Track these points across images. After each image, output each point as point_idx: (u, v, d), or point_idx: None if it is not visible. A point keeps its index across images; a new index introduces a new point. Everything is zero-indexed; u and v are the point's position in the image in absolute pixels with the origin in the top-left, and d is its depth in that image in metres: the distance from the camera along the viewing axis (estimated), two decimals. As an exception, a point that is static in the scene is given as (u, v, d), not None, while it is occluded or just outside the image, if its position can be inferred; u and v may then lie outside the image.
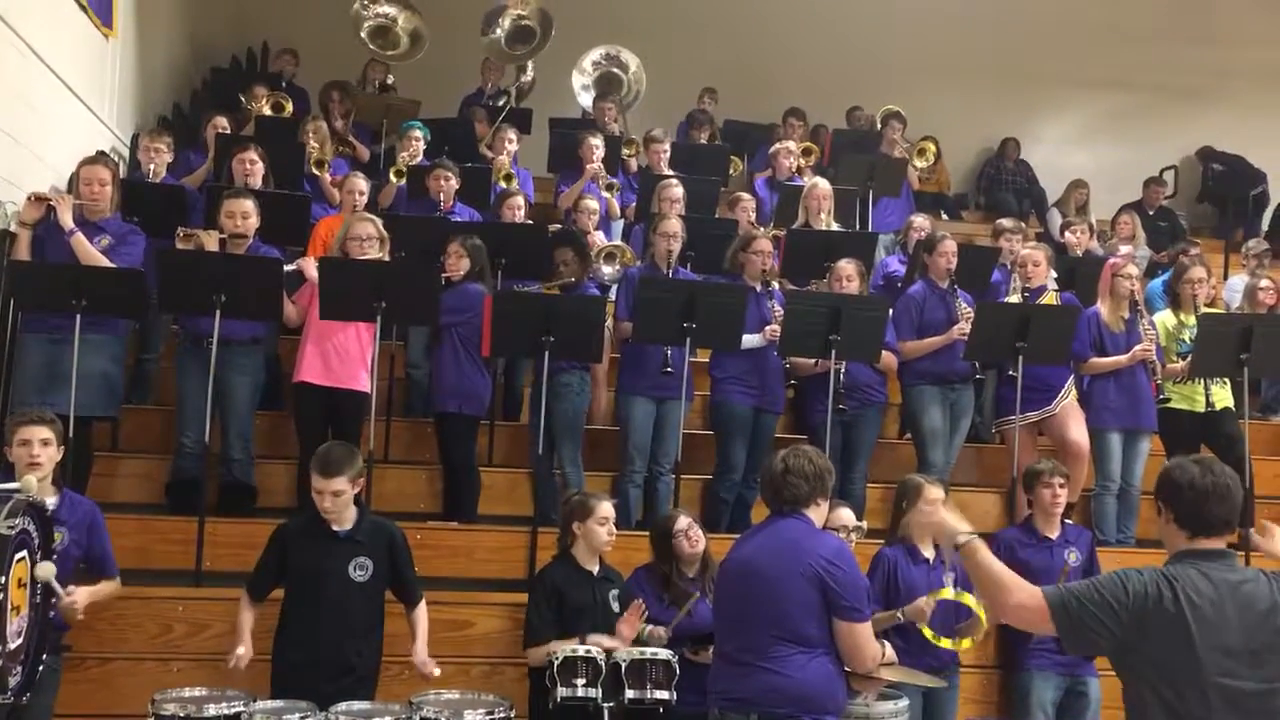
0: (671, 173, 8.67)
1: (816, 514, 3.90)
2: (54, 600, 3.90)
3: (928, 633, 4.63)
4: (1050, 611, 2.84)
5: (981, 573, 3.02)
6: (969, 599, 4.54)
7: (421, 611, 4.56)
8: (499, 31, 9.72)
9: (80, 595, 4.15)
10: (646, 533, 5.80)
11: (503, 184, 8.08)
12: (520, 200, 7.49)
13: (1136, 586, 2.81)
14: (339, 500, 4.34)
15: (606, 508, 4.71)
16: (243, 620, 4.41)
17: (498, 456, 6.63)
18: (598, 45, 10.43)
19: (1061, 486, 5.33)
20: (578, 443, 6.17)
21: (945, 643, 4.64)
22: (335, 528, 4.39)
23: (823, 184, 7.89)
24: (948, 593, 4.60)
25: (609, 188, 8.32)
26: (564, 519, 4.79)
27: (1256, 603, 2.83)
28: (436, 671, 4.38)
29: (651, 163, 8.89)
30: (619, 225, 8.51)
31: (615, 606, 4.64)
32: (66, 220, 5.56)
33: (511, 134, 8.81)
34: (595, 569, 4.70)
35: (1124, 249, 8.52)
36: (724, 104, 11.12)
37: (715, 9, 12.29)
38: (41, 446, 4.19)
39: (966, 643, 4.71)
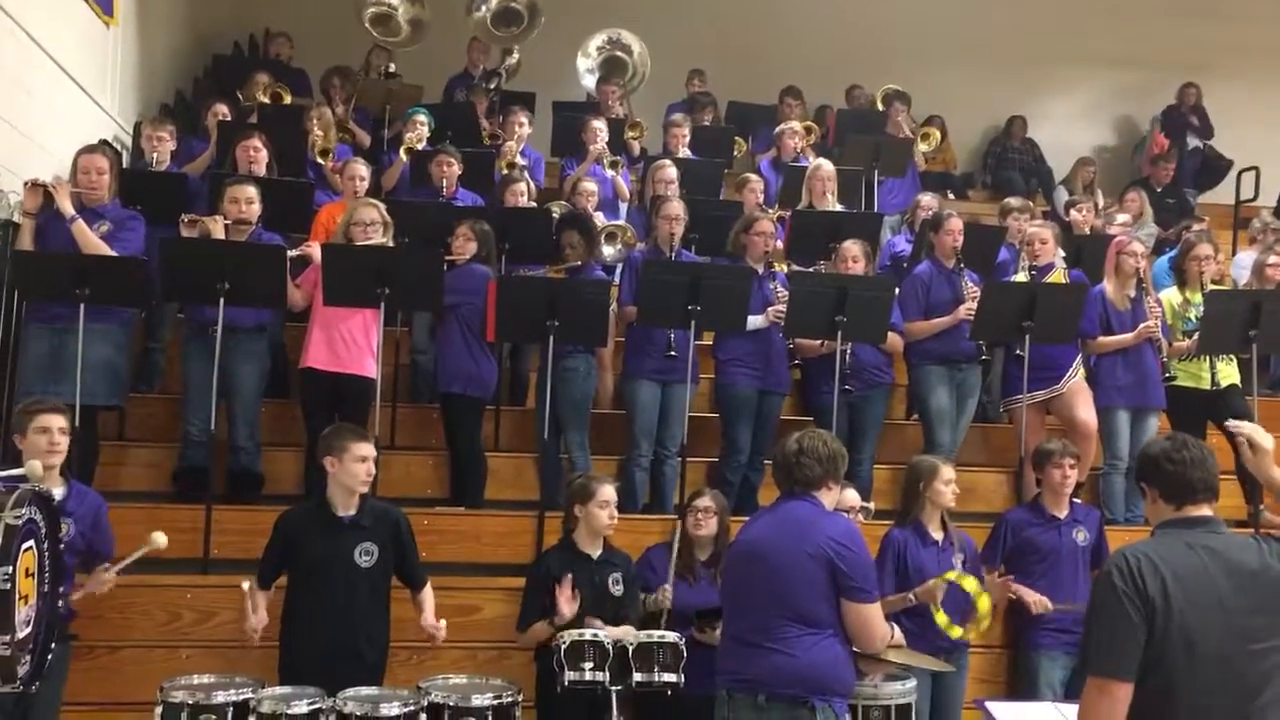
0: (691, 155, 8.64)
1: (827, 497, 3.89)
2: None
3: (941, 618, 4.62)
4: (1128, 684, 2.78)
5: None
6: (971, 584, 4.54)
7: (428, 591, 4.61)
8: (485, 10, 9.66)
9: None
10: (654, 516, 5.84)
11: (504, 170, 8.05)
12: (523, 186, 7.47)
13: (1125, 594, 2.77)
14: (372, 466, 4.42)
15: (608, 491, 4.72)
16: (256, 598, 4.43)
17: (504, 441, 6.63)
18: (597, 28, 10.37)
19: (1072, 467, 5.32)
20: (585, 427, 6.17)
21: (956, 631, 4.63)
22: (340, 514, 4.41)
23: (826, 165, 7.86)
24: (953, 574, 4.61)
25: (612, 165, 8.29)
26: (566, 503, 4.80)
27: (1244, 565, 2.83)
28: (442, 634, 4.40)
29: (671, 146, 8.85)
30: (622, 206, 8.48)
31: (617, 590, 4.64)
32: (67, 207, 5.55)
33: (524, 118, 8.77)
34: (596, 553, 4.70)
35: (1121, 219, 8.47)
36: (723, 85, 11.03)
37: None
38: (60, 435, 4.21)
39: (974, 633, 4.70)
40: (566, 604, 4.48)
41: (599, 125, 8.41)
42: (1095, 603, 2.85)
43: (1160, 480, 2.96)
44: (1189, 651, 2.76)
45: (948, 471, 5.02)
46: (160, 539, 4.28)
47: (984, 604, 4.57)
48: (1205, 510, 2.93)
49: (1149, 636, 2.77)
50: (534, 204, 7.59)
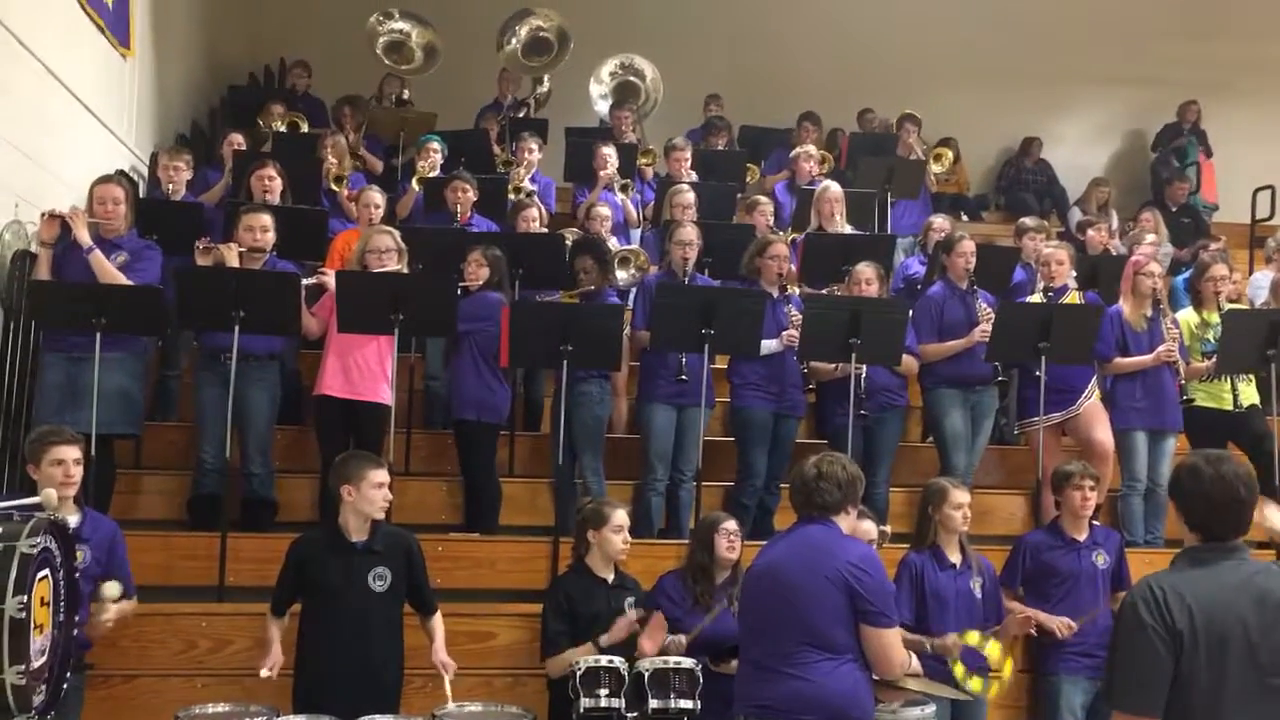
0: (695, 178, 8.65)
1: (845, 522, 3.87)
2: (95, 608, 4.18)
3: (959, 669, 4.56)
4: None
5: None
6: (995, 651, 4.49)
7: (438, 619, 4.59)
8: (515, 41, 9.74)
9: (113, 610, 4.26)
10: (670, 541, 5.82)
11: (512, 197, 8.08)
12: (535, 212, 7.49)
13: (1153, 628, 2.72)
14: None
15: (621, 515, 4.70)
16: (271, 633, 4.43)
17: (518, 467, 6.61)
18: (611, 54, 10.43)
19: (1092, 489, 5.27)
20: (599, 452, 6.16)
21: (976, 684, 4.55)
22: (353, 539, 4.40)
23: (833, 187, 7.84)
24: (973, 638, 4.56)
25: (623, 188, 8.32)
26: (578, 527, 4.78)
27: (1271, 595, 2.78)
28: (449, 675, 4.37)
29: (673, 171, 8.87)
30: (636, 231, 8.50)
31: (631, 615, 4.61)
32: (84, 237, 5.59)
33: (533, 144, 8.82)
34: (610, 577, 4.68)
35: (1149, 238, 8.43)
36: (737, 110, 11.07)
37: (726, 15, 12.27)
38: (75, 466, 4.22)
39: (996, 689, 4.63)
40: (627, 627, 4.46)
41: (608, 151, 8.44)
42: (1121, 636, 2.79)
43: (1192, 514, 2.88)
44: (1216, 685, 2.70)
45: (957, 496, 4.98)
46: (112, 589, 4.24)
47: (1007, 668, 4.51)
48: (1232, 540, 2.88)
49: (1176, 670, 2.72)
50: (545, 229, 7.61)
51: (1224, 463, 2.90)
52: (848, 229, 7.75)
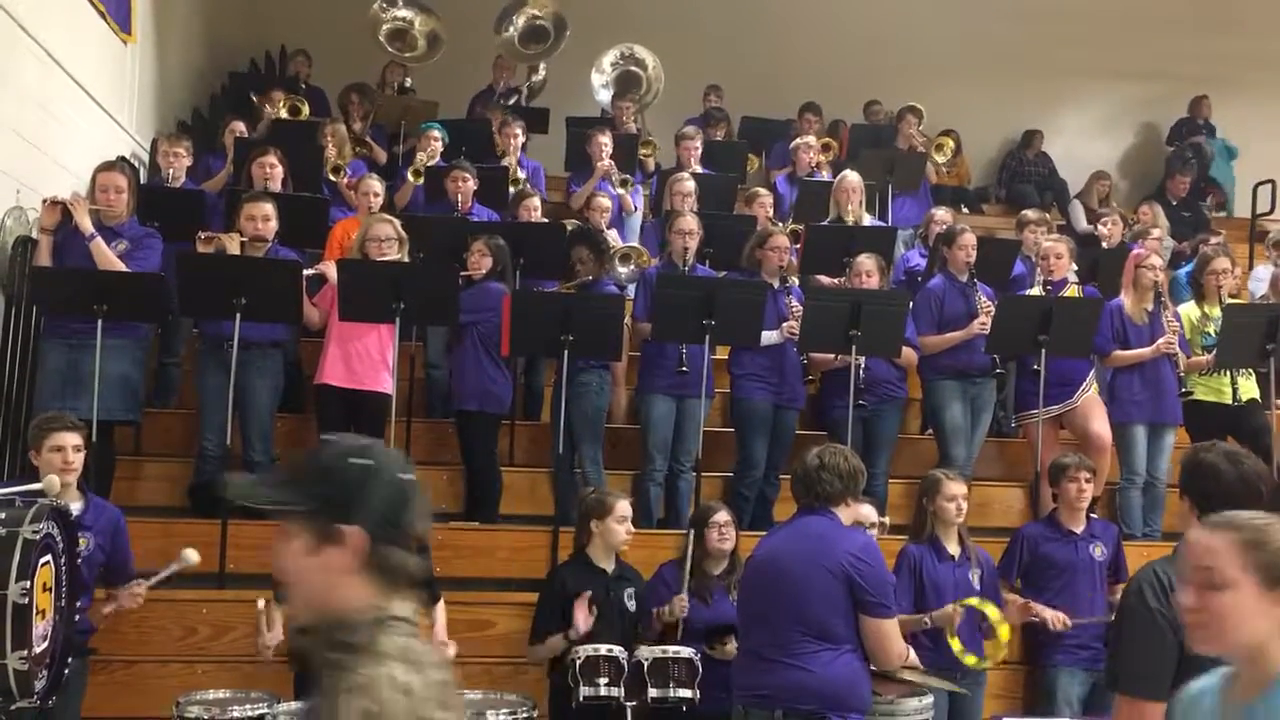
0: (701, 169, 8.64)
1: (845, 513, 3.89)
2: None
3: (955, 645, 4.59)
4: (1162, 705, 2.70)
5: None
6: (993, 611, 4.50)
7: (440, 607, 4.61)
8: (512, 30, 9.72)
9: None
10: (669, 531, 5.83)
11: (512, 188, 8.07)
12: (537, 201, 7.49)
13: (1160, 613, 2.73)
14: None
15: (624, 506, 4.71)
16: (273, 614, 4.43)
17: (519, 456, 6.63)
18: (612, 44, 10.40)
19: (1088, 481, 5.28)
20: (598, 442, 6.17)
21: (970, 660, 4.58)
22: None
23: (852, 176, 7.81)
24: (973, 600, 4.58)
25: (622, 184, 8.30)
26: (580, 517, 4.79)
27: None
28: (450, 654, 4.39)
29: (682, 159, 8.84)
30: (636, 221, 8.49)
31: (631, 606, 4.63)
32: (85, 225, 5.59)
33: (518, 128, 8.75)
34: (610, 568, 4.69)
35: (1155, 232, 8.44)
36: (739, 101, 11.05)
37: (726, 4, 12.23)
38: (74, 453, 4.23)
39: (988, 662, 4.66)
40: (584, 620, 4.46)
41: (605, 140, 8.37)
42: (1127, 621, 2.80)
43: (1206, 510, 2.81)
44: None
45: (951, 487, 4.98)
46: (193, 556, 4.30)
47: (1005, 633, 4.53)
48: None
49: (1180, 656, 2.72)
50: (544, 219, 7.60)
51: (1243, 462, 2.92)
52: (867, 219, 7.73)
